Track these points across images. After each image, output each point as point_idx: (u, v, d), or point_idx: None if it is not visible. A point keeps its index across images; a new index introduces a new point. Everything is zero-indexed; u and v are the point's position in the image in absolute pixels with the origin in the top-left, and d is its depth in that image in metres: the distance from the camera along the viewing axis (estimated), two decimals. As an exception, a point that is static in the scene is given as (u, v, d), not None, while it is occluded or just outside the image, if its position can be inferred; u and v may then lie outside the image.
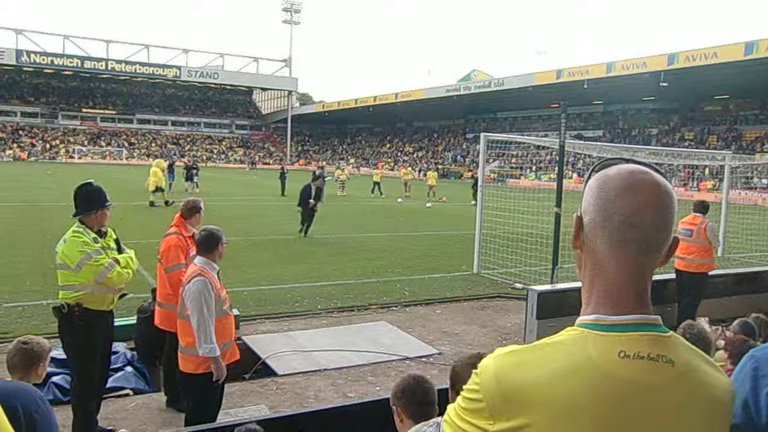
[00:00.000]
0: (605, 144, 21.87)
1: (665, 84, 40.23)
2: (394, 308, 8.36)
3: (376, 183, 31.25)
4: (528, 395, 0.95)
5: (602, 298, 1.03)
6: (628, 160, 1.06)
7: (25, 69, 74.99)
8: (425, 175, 34.88)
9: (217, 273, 4.12)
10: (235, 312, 5.03)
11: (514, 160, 36.87)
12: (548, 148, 12.45)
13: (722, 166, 15.87)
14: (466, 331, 7.43)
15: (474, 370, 1.05)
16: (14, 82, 78.54)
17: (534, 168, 42.49)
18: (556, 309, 6.42)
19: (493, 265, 10.78)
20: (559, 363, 0.96)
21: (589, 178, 1.07)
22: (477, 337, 7.23)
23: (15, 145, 70.16)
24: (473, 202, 20.55)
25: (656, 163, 1.13)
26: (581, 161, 47.52)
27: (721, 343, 3.94)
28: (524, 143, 13.66)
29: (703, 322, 4.11)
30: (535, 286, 7.48)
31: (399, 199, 27.44)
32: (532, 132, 54.49)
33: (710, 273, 7.47)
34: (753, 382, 1.14)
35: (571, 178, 39.51)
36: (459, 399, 1.07)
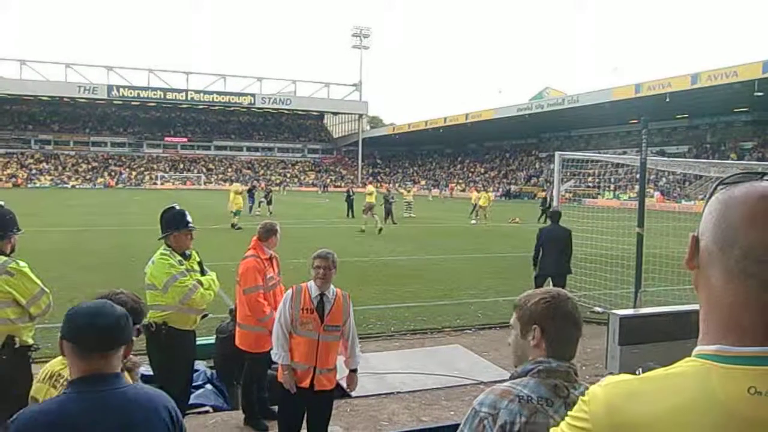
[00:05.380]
0: (691, 160, 20.77)
1: (760, 93, 37.79)
2: (468, 331, 8.22)
3: (481, 207, 27.42)
4: (642, 429, 0.88)
5: (722, 329, 0.92)
6: (763, 175, 0.92)
7: (115, 102, 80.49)
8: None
9: (319, 296, 4.03)
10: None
11: (590, 178, 35.76)
12: (628, 165, 11.96)
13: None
14: (544, 356, 7.18)
15: (582, 398, 1.00)
16: (105, 115, 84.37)
17: (612, 187, 40.96)
18: (641, 335, 6.11)
19: (570, 288, 10.40)
20: (677, 397, 0.88)
21: (711, 195, 0.96)
22: (555, 363, 6.97)
23: (106, 173, 75.05)
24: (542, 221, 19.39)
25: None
26: (664, 179, 45.44)
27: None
28: (601, 161, 13.24)
29: None
30: (617, 310, 7.14)
31: (473, 221, 27.05)
32: (609, 149, 52.79)
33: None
34: None
35: (652, 196, 37.80)
36: (563, 426, 1.02)
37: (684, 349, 0.98)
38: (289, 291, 4.11)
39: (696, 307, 1.00)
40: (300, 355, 4.01)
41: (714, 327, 0.93)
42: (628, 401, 0.91)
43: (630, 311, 7.11)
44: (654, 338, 6.01)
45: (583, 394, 1.69)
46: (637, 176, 8.82)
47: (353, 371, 4.27)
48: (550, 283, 8.85)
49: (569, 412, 1.02)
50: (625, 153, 43.78)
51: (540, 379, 1.74)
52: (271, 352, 4.11)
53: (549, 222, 9.51)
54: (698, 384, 0.88)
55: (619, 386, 0.95)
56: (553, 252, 8.94)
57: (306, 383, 4.01)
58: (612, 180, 41.10)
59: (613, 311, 6.82)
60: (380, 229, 21.12)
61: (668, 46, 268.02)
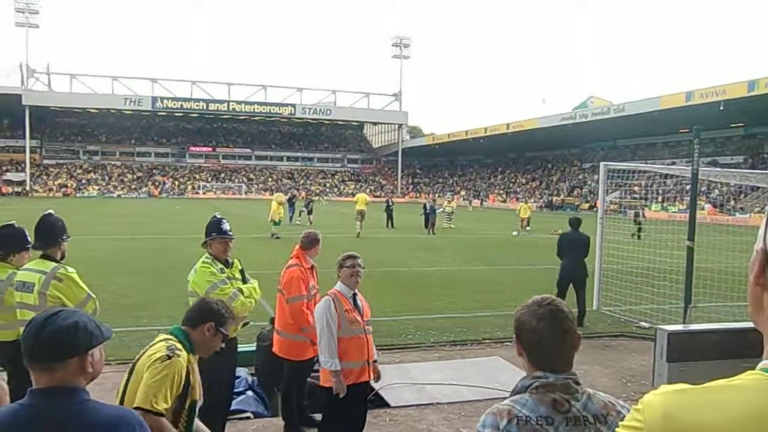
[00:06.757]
0: (747, 171, 19.66)
1: (824, 101, 36.02)
2: (509, 343, 8.07)
3: (521, 218, 27.77)
4: None
5: None
6: None
7: (159, 114, 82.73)
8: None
9: (353, 295, 4.37)
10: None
11: (636, 189, 34.75)
12: (677, 176, 11.61)
13: None
14: (587, 372, 6.99)
15: (634, 407, 0.97)
16: (149, 125, 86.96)
17: (660, 198, 39.65)
18: (691, 352, 5.88)
19: (614, 302, 10.16)
20: (739, 409, 0.85)
21: None
22: (598, 378, 6.79)
23: (150, 182, 77.25)
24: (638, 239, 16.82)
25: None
26: (716, 190, 43.87)
27: None
28: (649, 172, 12.88)
29: None
30: (665, 325, 6.91)
31: (514, 233, 26.70)
32: (657, 160, 51.34)
33: None
34: None
35: (704, 209, 36.42)
36: None
37: (738, 370, 0.94)
38: (327, 299, 4.23)
39: (753, 324, 0.97)
40: (354, 354, 4.23)
41: None
42: (686, 410, 0.88)
43: (679, 327, 6.87)
44: (705, 356, 5.79)
45: (585, 405, 1.73)
46: (687, 187, 8.56)
47: (375, 362, 4.55)
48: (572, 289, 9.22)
49: (621, 423, 0.99)
50: (673, 163, 42.45)
51: (538, 395, 1.72)
52: (322, 361, 4.18)
53: (569, 228, 9.66)
54: (760, 397, 0.86)
55: (676, 395, 0.92)
56: (574, 258, 9.25)
57: (365, 377, 4.33)
58: (660, 191, 39.88)
59: (661, 326, 6.60)
60: (358, 234, 23.22)
61: (722, 54, 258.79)
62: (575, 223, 9.61)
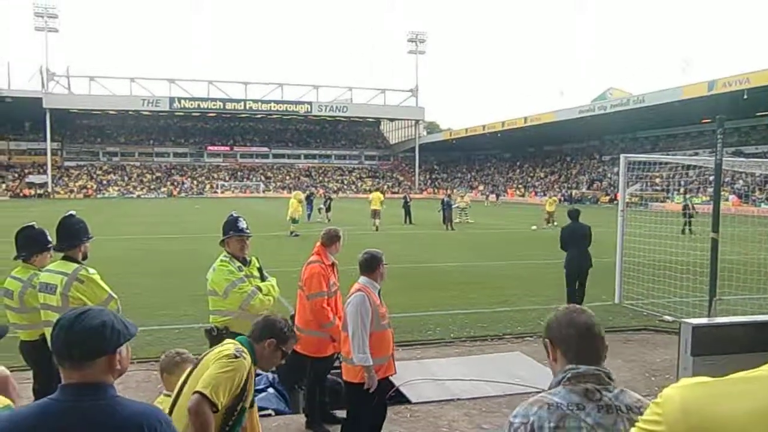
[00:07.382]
0: None
1: None
2: (529, 338, 8.03)
3: (548, 212, 27.36)
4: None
5: None
6: None
7: (176, 114, 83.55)
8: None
9: (378, 291, 4.40)
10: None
11: (658, 181, 34.20)
12: (700, 167, 11.42)
13: None
14: (609, 366, 6.83)
15: (654, 401, 0.96)
16: (168, 126, 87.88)
17: (682, 190, 38.82)
18: (715, 345, 5.75)
19: (636, 295, 10.03)
20: (760, 401, 0.83)
21: None
22: (621, 373, 6.70)
23: (168, 182, 78.04)
24: (690, 233, 16.97)
25: None
26: (740, 181, 43.07)
27: None
28: (671, 163, 12.66)
29: None
30: (689, 319, 6.80)
31: (533, 227, 26.48)
32: (678, 151, 50.52)
33: None
34: None
35: (728, 200, 35.69)
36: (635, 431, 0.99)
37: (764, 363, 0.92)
38: (362, 294, 4.23)
39: None
40: (383, 349, 4.27)
41: None
42: (705, 402, 0.88)
43: (704, 320, 6.76)
44: (731, 350, 5.67)
45: (617, 396, 1.75)
46: (710, 179, 8.41)
47: None
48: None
49: (640, 417, 0.99)
50: (696, 154, 41.68)
51: (570, 386, 1.76)
52: (356, 357, 4.15)
53: (569, 220, 9.75)
54: None
55: (695, 388, 0.91)
56: (578, 248, 9.38)
57: (390, 371, 4.41)
58: (682, 183, 39.15)
59: (685, 320, 6.48)
60: (376, 228, 24.54)
61: (745, 42, 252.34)
62: (575, 214, 9.71)
